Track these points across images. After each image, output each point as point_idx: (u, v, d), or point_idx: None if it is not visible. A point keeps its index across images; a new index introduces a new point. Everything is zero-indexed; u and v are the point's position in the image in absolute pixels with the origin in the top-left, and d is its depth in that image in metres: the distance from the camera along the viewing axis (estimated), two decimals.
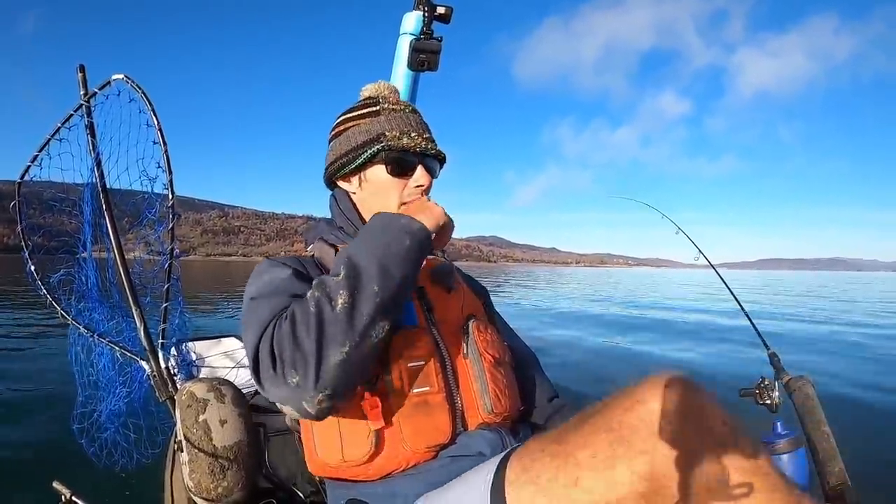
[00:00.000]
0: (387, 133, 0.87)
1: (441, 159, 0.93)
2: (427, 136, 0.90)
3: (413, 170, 0.88)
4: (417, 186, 0.88)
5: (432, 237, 0.78)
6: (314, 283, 0.70)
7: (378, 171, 0.89)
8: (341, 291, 0.66)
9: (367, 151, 0.88)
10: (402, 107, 0.92)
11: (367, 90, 0.95)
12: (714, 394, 0.56)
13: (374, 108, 0.91)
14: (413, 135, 0.88)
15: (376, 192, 0.90)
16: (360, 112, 0.92)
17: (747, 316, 1.47)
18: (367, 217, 0.92)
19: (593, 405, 0.60)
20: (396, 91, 0.97)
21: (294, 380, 0.64)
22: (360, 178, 0.92)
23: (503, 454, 0.67)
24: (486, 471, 0.65)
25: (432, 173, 0.91)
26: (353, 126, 0.91)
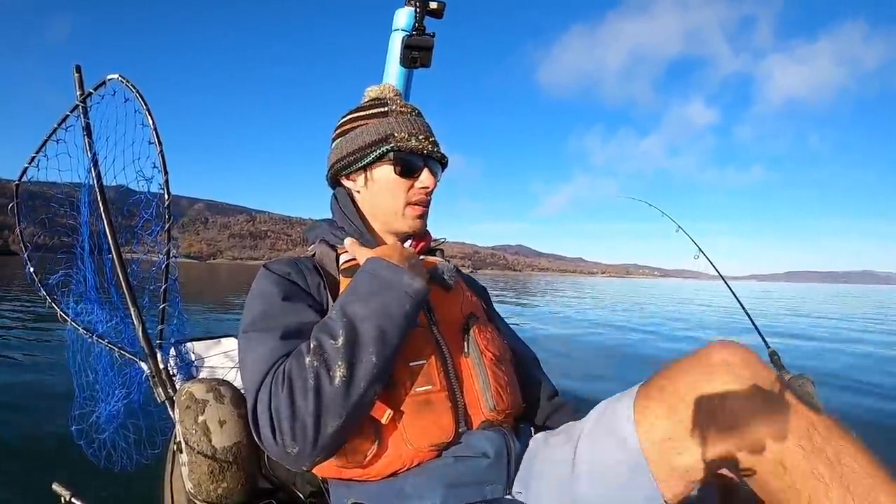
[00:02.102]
0: (396, 134, 0.88)
1: (444, 163, 0.95)
2: (432, 139, 0.91)
3: (419, 172, 0.90)
4: (422, 188, 0.90)
5: (430, 289, 0.78)
6: (312, 344, 0.70)
7: (385, 171, 0.89)
8: (339, 363, 0.68)
9: (376, 151, 0.88)
10: (409, 110, 0.93)
11: (373, 91, 0.96)
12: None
13: (382, 109, 0.91)
14: (420, 137, 0.90)
15: (382, 191, 0.91)
16: (368, 112, 0.92)
17: (748, 316, 1.47)
18: (369, 216, 0.93)
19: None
20: (400, 94, 0.98)
21: (293, 450, 0.67)
22: (365, 176, 0.92)
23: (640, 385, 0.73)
24: (627, 402, 0.71)
25: (435, 176, 0.92)
26: (361, 125, 0.91)
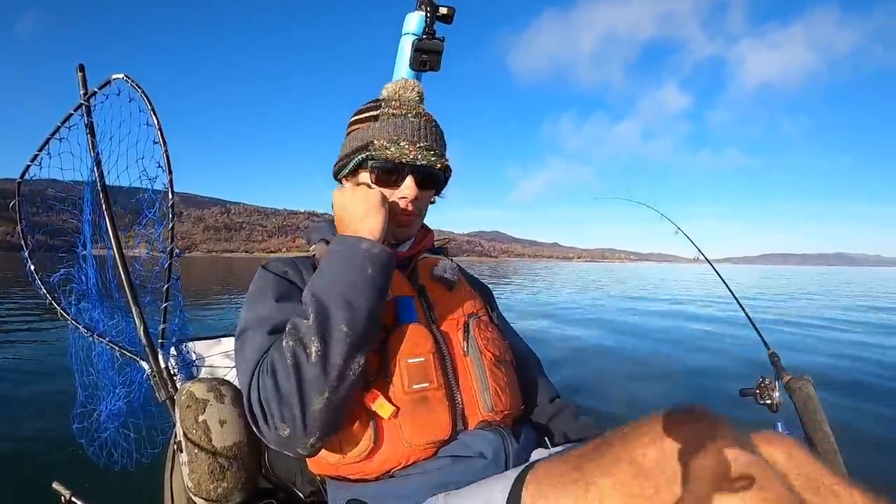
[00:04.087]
0: (375, 142, 0.85)
1: (439, 169, 0.89)
2: (422, 144, 0.86)
3: (399, 180, 0.86)
4: (402, 198, 0.87)
5: (395, 254, 0.79)
6: (287, 327, 0.72)
7: (366, 179, 0.88)
8: (313, 338, 0.69)
9: (354, 158, 0.87)
10: (405, 111, 0.88)
11: (386, 89, 0.92)
12: (737, 430, 0.55)
13: (374, 113, 0.89)
14: (403, 143, 0.85)
15: None
16: (362, 115, 0.90)
17: (747, 316, 1.46)
18: None
19: (614, 431, 0.60)
20: (416, 89, 0.92)
21: (285, 433, 0.69)
22: (354, 181, 0.91)
23: (519, 470, 0.66)
24: (502, 487, 0.65)
25: (423, 183, 0.88)
26: (355, 129, 0.90)
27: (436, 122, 0.91)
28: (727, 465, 0.51)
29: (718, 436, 0.53)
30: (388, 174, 0.86)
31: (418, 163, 0.85)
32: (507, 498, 0.63)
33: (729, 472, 0.51)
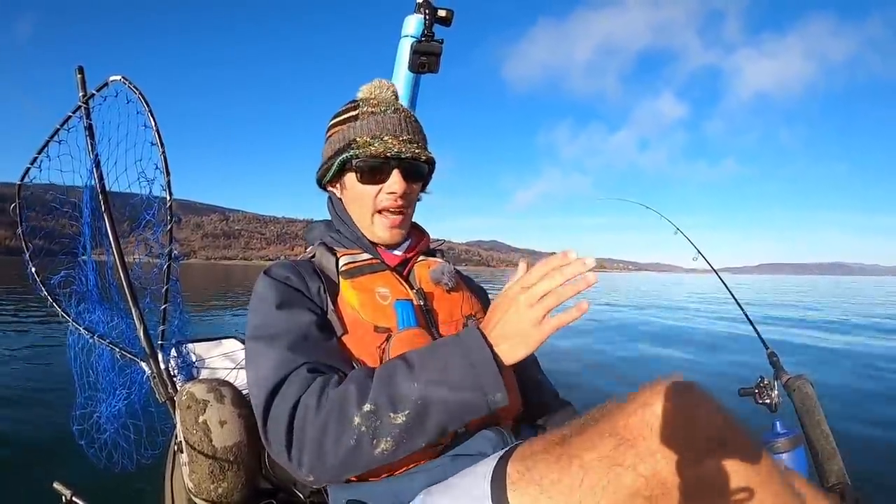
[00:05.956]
0: (357, 139, 0.86)
1: (425, 161, 0.89)
2: (405, 137, 0.86)
3: (385, 176, 0.86)
4: (390, 193, 0.87)
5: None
6: (368, 408, 0.66)
7: (352, 179, 0.88)
8: (387, 439, 0.65)
9: (337, 159, 0.87)
10: (383, 108, 0.88)
11: (361, 91, 0.93)
12: (714, 396, 0.57)
13: (353, 113, 0.89)
14: (386, 138, 0.85)
15: (352, 200, 0.90)
16: (341, 118, 0.90)
17: (746, 316, 1.47)
18: (357, 221, 0.92)
19: (597, 408, 0.61)
20: (391, 89, 0.93)
21: (306, 477, 0.68)
22: (340, 184, 0.92)
23: (503, 451, 0.67)
24: (486, 468, 0.65)
25: (409, 177, 0.88)
26: (334, 133, 0.90)
27: (414, 116, 0.92)
28: (707, 431, 0.53)
29: (698, 404, 0.54)
30: (374, 171, 0.85)
31: (403, 156, 0.85)
32: (491, 476, 0.63)
33: (710, 439, 0.52)
